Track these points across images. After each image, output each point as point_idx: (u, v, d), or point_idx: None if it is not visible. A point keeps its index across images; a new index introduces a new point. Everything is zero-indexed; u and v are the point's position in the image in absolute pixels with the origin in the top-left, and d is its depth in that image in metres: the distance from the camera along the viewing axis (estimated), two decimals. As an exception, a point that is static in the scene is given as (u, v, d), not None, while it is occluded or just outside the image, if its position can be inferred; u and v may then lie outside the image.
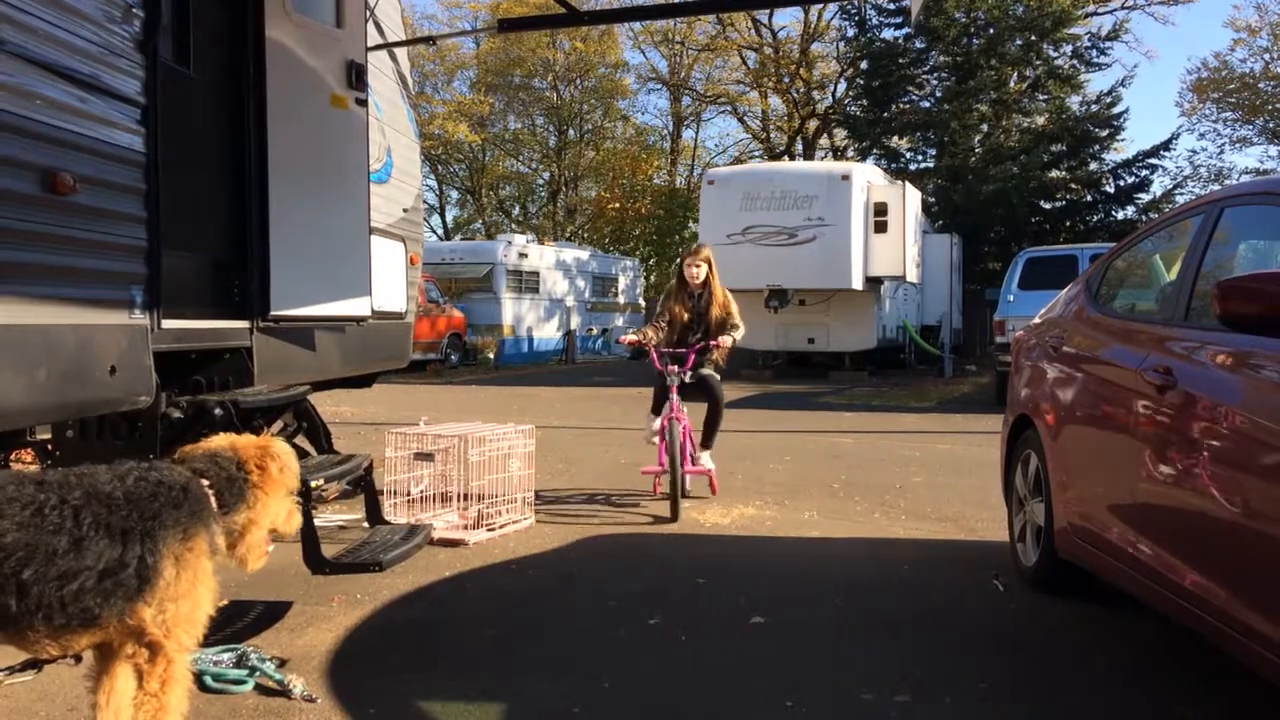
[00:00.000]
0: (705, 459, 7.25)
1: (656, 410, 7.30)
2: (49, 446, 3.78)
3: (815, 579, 5.13)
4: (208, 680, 3.55)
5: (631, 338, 7.53)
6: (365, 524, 5.17)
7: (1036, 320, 5.62)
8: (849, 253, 18.14)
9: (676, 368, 7.05)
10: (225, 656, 3.69)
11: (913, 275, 20.55)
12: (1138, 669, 3.92)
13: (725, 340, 7.23)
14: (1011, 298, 14.24)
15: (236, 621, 4.23)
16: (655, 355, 7.20)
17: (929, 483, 7.95)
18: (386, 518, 4.91)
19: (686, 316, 7.37)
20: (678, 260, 7.85)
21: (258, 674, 3.61)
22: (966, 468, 8.59)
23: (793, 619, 4.46)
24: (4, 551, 2.37)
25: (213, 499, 2.76)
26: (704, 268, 7.39)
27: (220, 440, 2.93)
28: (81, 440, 3.73)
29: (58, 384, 3.10)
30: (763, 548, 5.79)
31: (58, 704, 3.39)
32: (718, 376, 7.35)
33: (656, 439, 7.09)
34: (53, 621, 2.45)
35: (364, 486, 4.65)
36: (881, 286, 19.89)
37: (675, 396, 6.89)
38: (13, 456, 4.02)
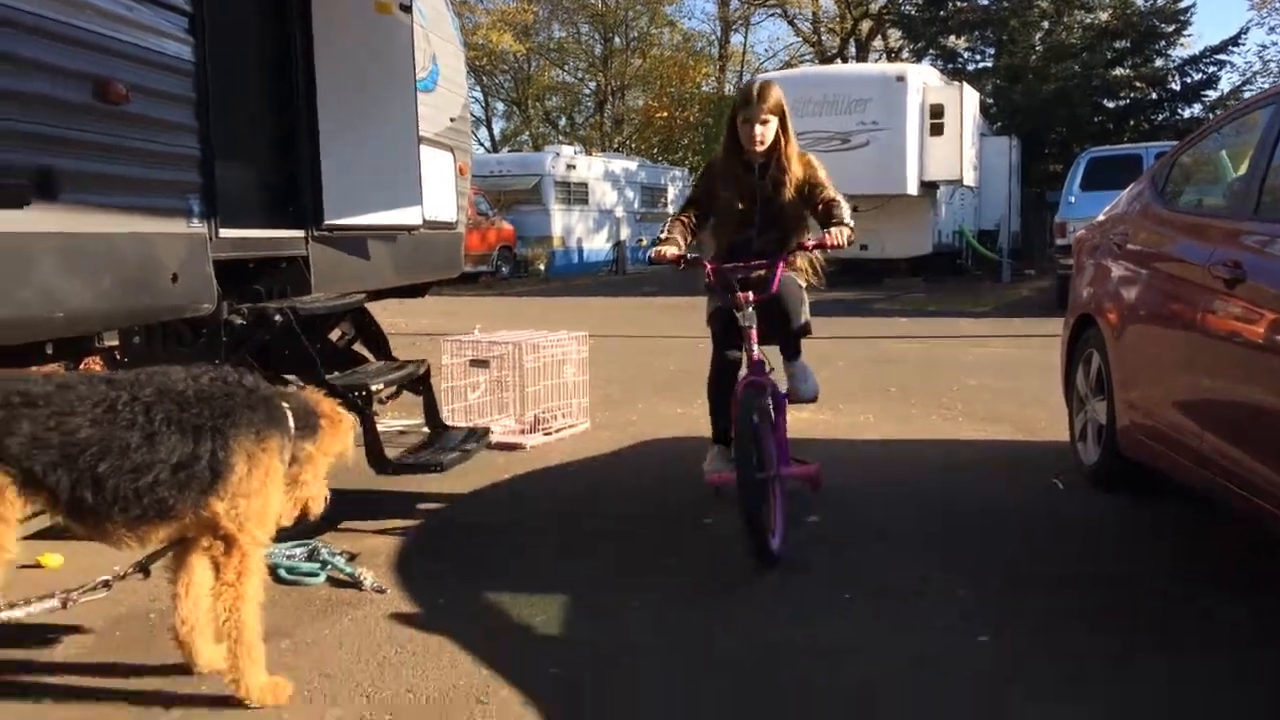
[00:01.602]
0: (799, 370, 4.68)
1: (720, 383, 4.52)
2: (117, 354, 3.86)
3: (871, 480, 5.14)
4: (282, 573, 3.67)
5: (670, 251, 4.37)
6: (424, 429, 5.25)
7: (1100, 218, 5.47)
8: (904, 157, 17.73)
9: (751, 295, 4.18)
10: (298, 551, 3.82)
11: (970, 179, 20.08)
12: (1198, 564, 3.90)
13: (837, 234, 4.23)
14: (1073, 199, 13.88)
15: (305, 520, 4.34)
16: (712, 273, 4.29)
17: (986, 386, 7.87)
18: (445, 423, 4.98)
19: (743, 205, 4.47)
20: (727, 114, 4.66)
21: (329, 567, 3.73)
22: (1024, 371, 8.48)
23: (848, 518, 4.48)
24: (79, 446, 2.45)
25: (291, 418, 2.83)
26: (772, 123, 4.37)
27: (305, 390, 3.05)
28: (148, 347, 3.81)
29: (122, 291, 3.16)
30: (818, 451, 5.78)
31: (141, 595, 3.54)
32: (800, 283, 4.52)
33: (716, 474, 4.40)
34: (129, 513, 2.54)
35: (422, 391, 4.71)
36: (937, 191, 19.46)
37: (755, 346, 4.17)
38: (83, 365, 4.12)
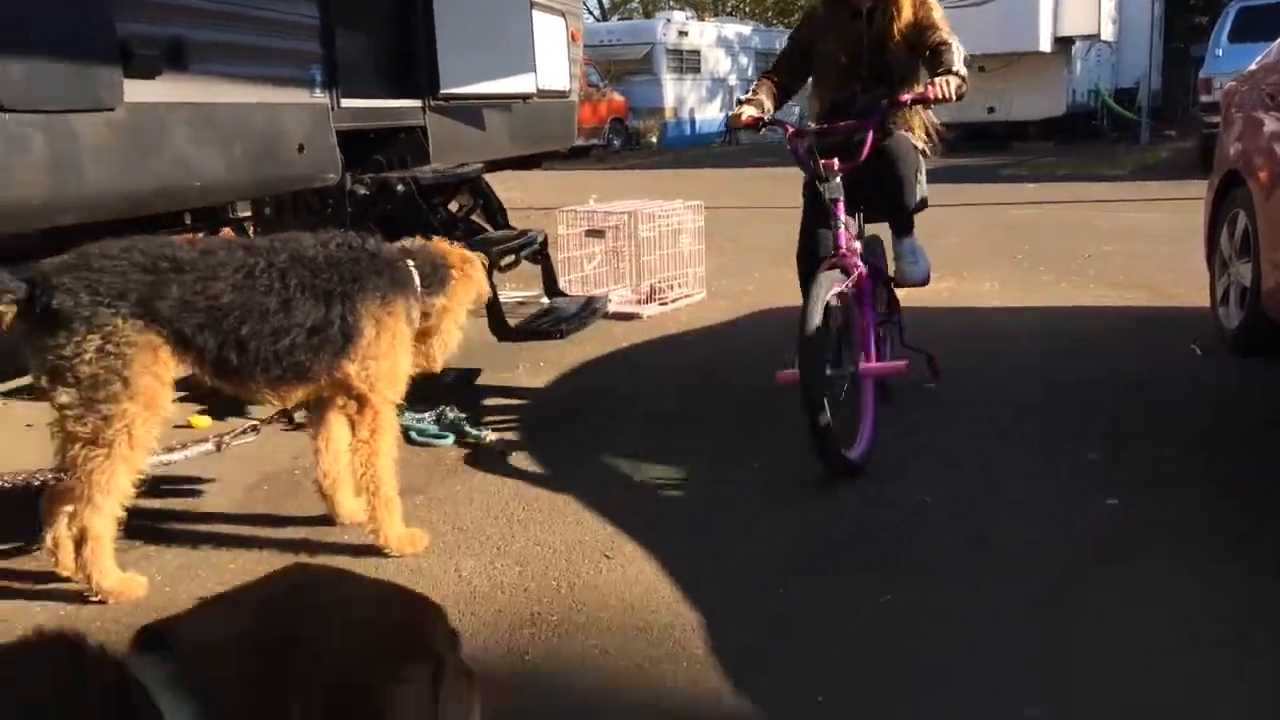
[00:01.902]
0: (907, 250, 4.12)
1: (806, 265, 3.92)
2: (250, 226, 4.00)
3: (996, 346, 5.02)
4: (413, 435, 3.83)
5: (748, 113, 3.90)
6: (542, 300, 5.32)
7: (1252, 68, 5.08)
8: (1036, 11, 16.69)
9: (836, 162, 3.66)
10: (427, 414, 3.97)
11: (1108, 33, 18.82)
12: (1348, 431, 3.72)
13: (942, 86, 3.63)
14: (1220, 52, 12.89)
15: (432, 385, 4.50)
16: (792, 137, 3.86)
17: (1121, 251, 7.53)
18: (563, 292, 5.04)
19: (846, 56, 3.97)
20: None
21: (456, 429, 3.87)
22: (1162, 235, 8.08)
23: (971, 384, 4.40)
24: (222, 311, 2.56)
25: (416, 277, 2.89)
26: None
27: (431, 241, 3.08)
28: (278, 217, 3.93)
29: (252, 160, 3.24)
30: (939, 318, 5.66)
31: (284, 453, 3.74)
32: (917, 145, 4.02)
33: (785, 373, 3.50)
34: (270, 374, 2.66)
35: (540, 261, 4.76)
36: (1072, 47, 18.32)
37: (841, 218, 3.66)
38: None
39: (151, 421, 2.56)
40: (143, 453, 2.56)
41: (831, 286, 3.45)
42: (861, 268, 3.64)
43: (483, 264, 3.12)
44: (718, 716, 2.17)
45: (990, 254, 7.63)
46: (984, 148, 17.12)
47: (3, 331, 2.44)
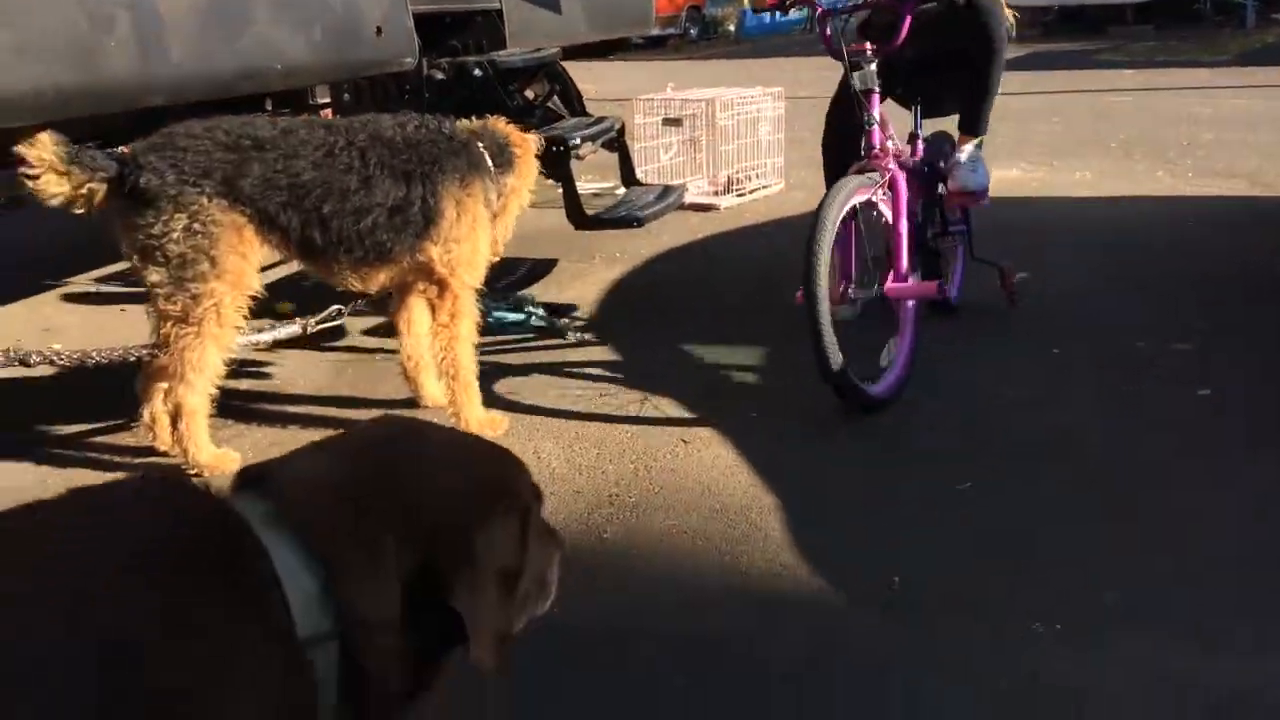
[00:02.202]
0: (967, 156, 3.63)
1: (833, 168, 3.67)
2: (330, 112, 4.00)
3: (1087, 237, 4.86)
4: (491, 321, 3.85)
5: None
6: (617, 192, 5.27)
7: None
8: (1141, -117, 15.68)
9: (870, 48, 3.20)
10: (505, 302, 4.00)
11: (1217, -93, 17.64)
12: None
13: None
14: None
15: (511, 275, 4.53)
16: (820, 17, 3.36)
17: (1221, 139, 7.18)
18: (640, 181, 4.98)
19: None
20: None
21: (535, 317, 3.90)
22: (1265, 124, 7.67)
23: (1061, 275, 4.28)
24: (304, 189, 2.58)
25: (488, 157, 2.88)
26: None
27: (489, 120, 3.03)
28: (356, 103, 3.93)
29: (332, 43, 3.23)
30: (1027, 208, 5.49)
31: (368, 338, 3.83)
32: (1004, 18, 3.53)
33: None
34: (353, 254, 2.70)
35: (617, 149, 4.70)
36: (1177, -77, 17.23)
37: (875, 113, 3.22)
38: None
39: (239, 300, 2.61)
40: (231, 331, 2.62)
41: (852, 195, 3.03)
42: (895, 170, 3.20)
43: (534, 143, 3.09)
44: (793, 594, 2.19)
45: (1084, 142, 7.34)
46: (1078, 32, 16.33)
47: (94, 209, 2.49)
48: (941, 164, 3.69)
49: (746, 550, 2.37)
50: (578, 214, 4.13)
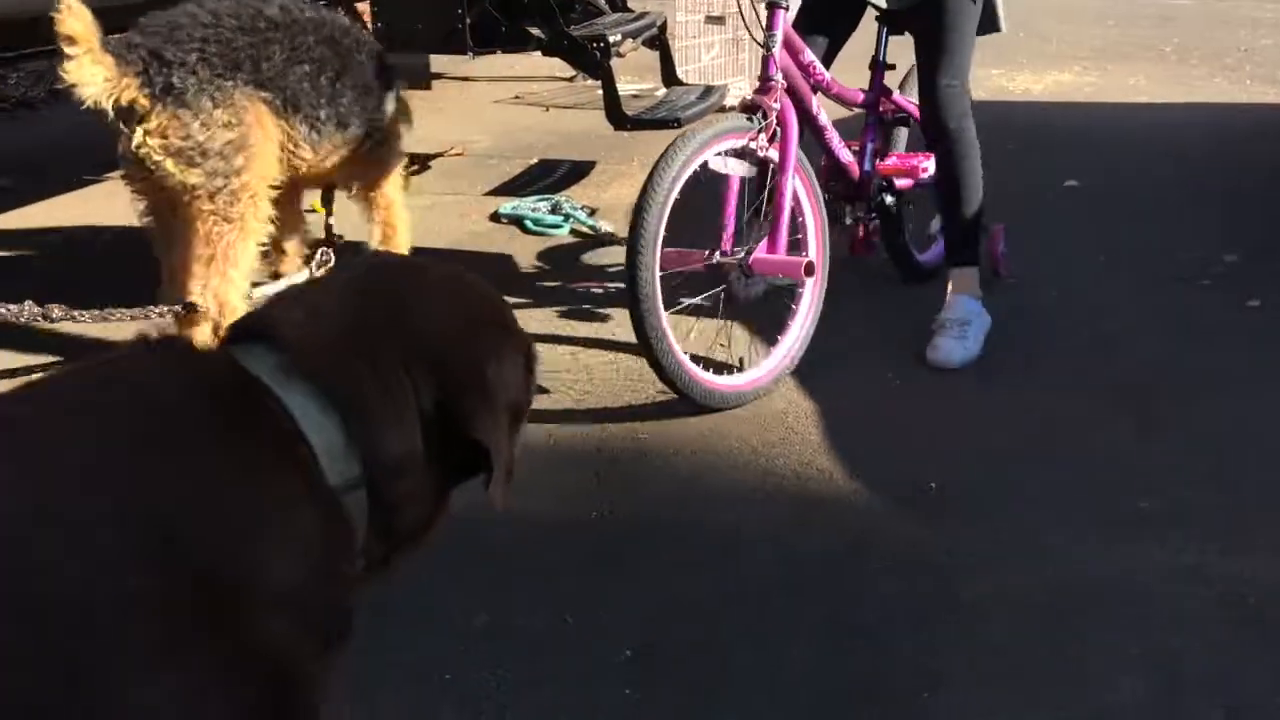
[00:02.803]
0: (955, 313, 2.84)
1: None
2: (369, 4, 3.93)
3: (1139, 145, 4.73)
4: (528, 224, 3.85)
5: None
6: (656, 93, 5.17)
7: None
8: None
9: None
10: (542, 205, 3.97)
11: None
12: None
13: None
14: None
15: (548, 177, 4.49)
16: None
17: (1283, 45, 6.93)
18: (681, 80, 4.88)
19: None
20: None
21: (571, 220, 3.87)
22: (1334, 28, 7.38)
23: (1111, 185, 4.19)
24: (318, 69, 2.60)
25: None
26: None
27: None
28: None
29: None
30: (1080, 114, 5.35)
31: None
32: (961, 11, 2.77)
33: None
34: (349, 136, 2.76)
35: (658, 46, 4.59)
36: None
37: (778, 32, 2.59)
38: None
39: (270, 190, 2.59)
40: (265, 223, 2.60)
41: (705, 148, 2.48)
42: (784, 108, 2.54)
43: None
44: (828, 495, 2.21)
45: (1139, 46, 7.10)
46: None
47: (118, 104, 2.38)
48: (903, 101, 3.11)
49: (782, 453, 2.38)
50: (617, 114, 4.05)
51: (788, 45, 2.65)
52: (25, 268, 3.59)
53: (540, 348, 1.78)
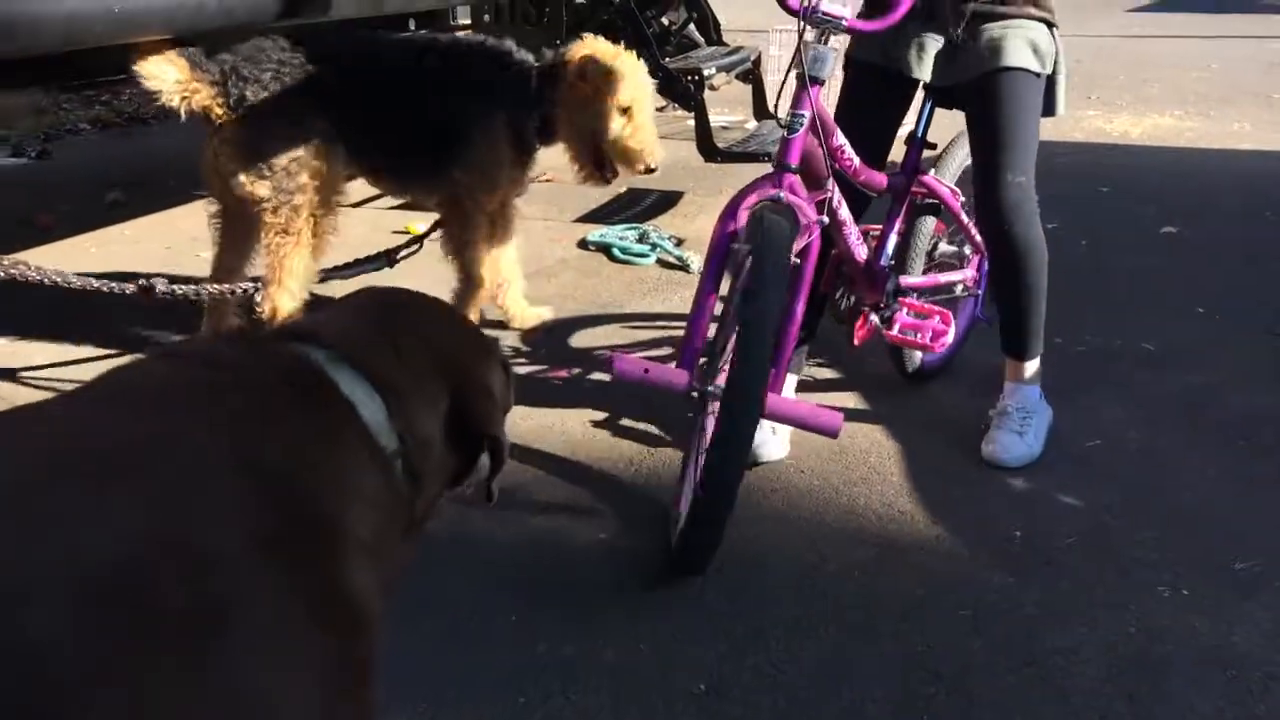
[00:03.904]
0: (1015, 404, 2.52)
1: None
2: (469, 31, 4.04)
3: (1243, 193, 4.61)
4: (616, 253, 3.88)
5: None
6: (746, 125, 5.21)
7: None
8: None
9: (843, 17, 2.11)
10: (630, 234, 4.01)
11: None
12: None
13: None
14: None
15: (636, 206, 4.54)
16: None
17: (1400, 94, 6.69)
18: (772, 113, 4.91)
19: None
20: None
21: (658, 250, 3.90)
22: None
23: (1212, 232, 4.08)
24: (383, 104, 2.66)
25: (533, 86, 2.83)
26: None
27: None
28: (496, 24, 3.95)
29: (474, -38, 3.24)
30: (1180, 159, 5.23)
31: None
32: (1024, 88, 2.37)
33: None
34: (410, 168, 2.85)
35: (750, 80, 4.63)
36: None
37: (804, 111, 2.09)
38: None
39: (332, 210, 2.67)
40: (325, 239, 2.69)
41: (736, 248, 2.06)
42: (812, 217, 2.12)
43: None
44: (910, 539, 2.18)
45: (1244, 92, 6.92)
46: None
47: (194, 109, 2.54)
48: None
49: (864, 493, 2.36)
50: (709, 146, 4.10)
51: (814, 127, 2.14)
52: (127, 275, 3.73)
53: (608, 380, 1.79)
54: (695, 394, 2.10)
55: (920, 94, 2.53)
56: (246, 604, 0.81)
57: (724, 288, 2.16)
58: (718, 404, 1.99)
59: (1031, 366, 2.56)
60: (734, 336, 1.95)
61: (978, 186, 2.42)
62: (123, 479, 0.82)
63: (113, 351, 3.03)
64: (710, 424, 2.10)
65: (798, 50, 2.10)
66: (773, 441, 2.47)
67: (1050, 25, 2.42)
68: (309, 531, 0.88)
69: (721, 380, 2.02)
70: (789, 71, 2.13)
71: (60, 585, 0.75)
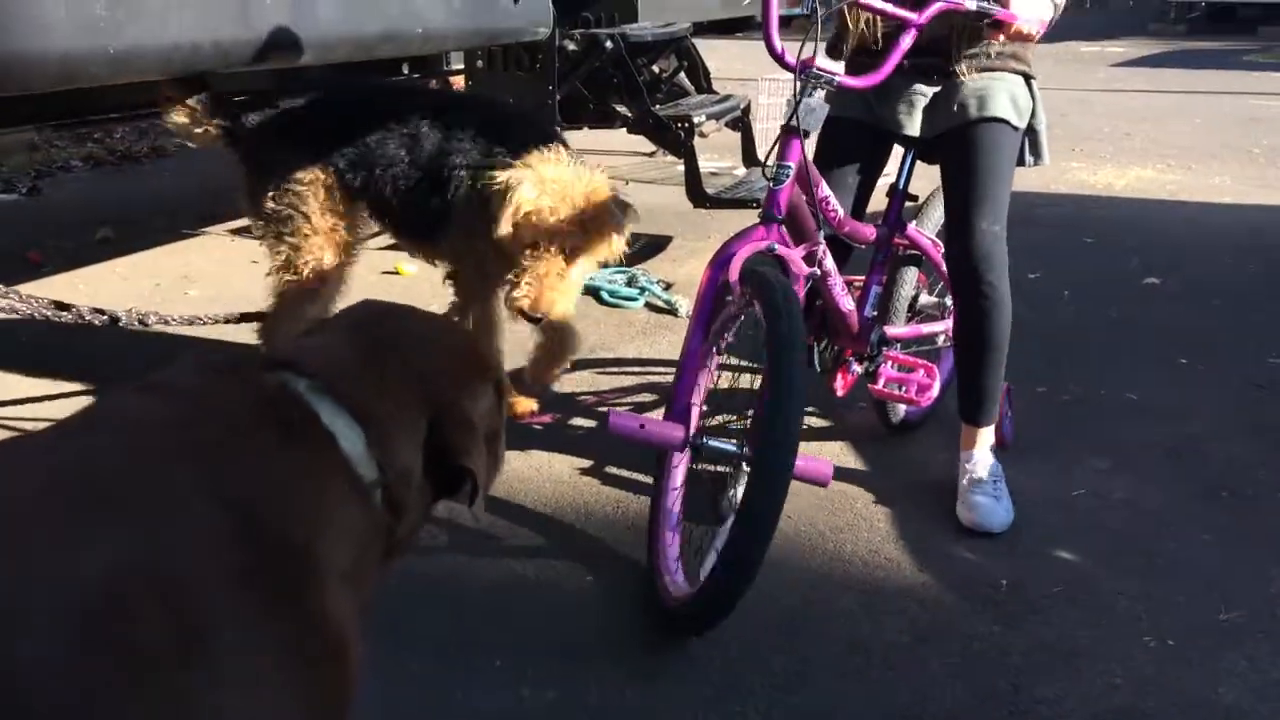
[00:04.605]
0: (987, 469, 2.47)
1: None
2: (464, 78, 4.08)
3: (1223, 245, 4.66)
4: (604, 296, 3.90)
5: None
6: (735, 172, 5.26)
7: None
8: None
9: (832, 73, 2.14)
10: (618, 277, 4.03)
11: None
12: None
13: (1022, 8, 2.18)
14: None
15: (625, 250, 4.56)
16: (770, 13, 2.13)
17: (1377, 151, 6.80)
18: (761, 161, 4.96)
19: None
20: None
21: (647, 294, 3.92)
22: None
23: (1194, 283, 4.12)
24: (383, 159, 2.63)
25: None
26: None
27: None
28: (489, 70, 3.99)
29: (471, 10, 3.28)
30: (1162, 212, 5.30)
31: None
32: (1003, 139, 2.41)
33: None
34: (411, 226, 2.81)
35: (740, 128, 4.68)
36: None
37: (791, 161, 2.15)
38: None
39: (336, 256, 2.66)
40: (333, 286, 2.68)
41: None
42: (803, 269, 2.16)
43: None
44: (895, 585, 2.18)
45: (1224, 147, 7.03)
46: (1228, 31, 15.59)
47: (208, 145, 2.67)
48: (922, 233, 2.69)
49: (850, 539, 2.36)
50: (698, 192, 4.14)
51: (800, 179, 2.19)
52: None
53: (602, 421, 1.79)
54: (692, 448, 2.10)
55: (900, 147, 2.57)
56: (224, 635, 0.83)
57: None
58: (708, 457, 2.09)
59: (989, 433, 2.54)
60: (764, 402, 1.92)
61: (950, 234, 2.43)
62: (98, 512, 0.84)
63: (91, 386, 3.02)
64: (681, 473, 2.20)
65: (796, 105, 2.14)
66: None
67: (1028, 78, 2.47)
68: (285, 562, 0.90)
69: (722, 441, 2.10)
70: (789, 122, 2.15)
71: (44, 617, 0.76)
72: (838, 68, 2.17)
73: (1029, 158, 2.52)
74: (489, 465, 1.18)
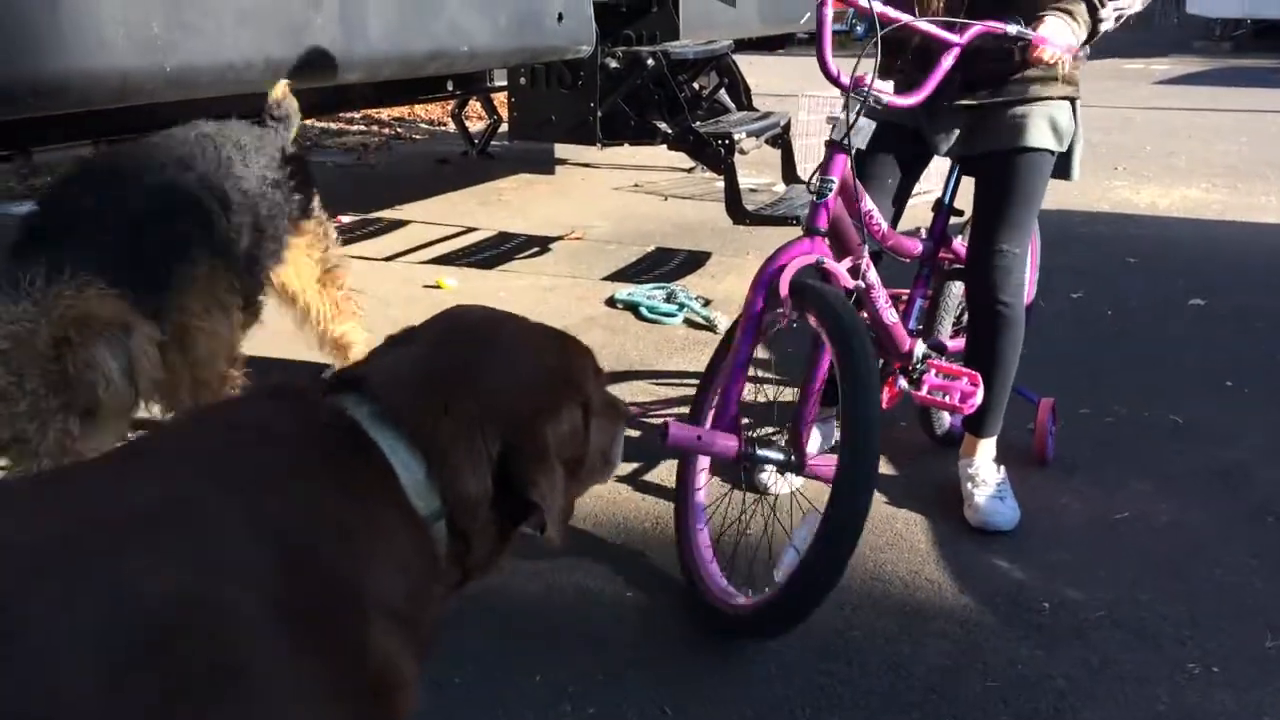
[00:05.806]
0: (992, 478, 2.52)
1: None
2: (507, 94, 4.13)
3: (1270, 266, 4.60)
4: (644, 312, 3.92)
5: None
6: (774, 188, 5.27)
7: None
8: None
9: (877, 88, 2.19)
10: (657, 293, 4.04)
11: None
12: None
13: (1052, 32, 2.22)
14: None
15: (664, 265, 4.58)
16: (824, 35, 2.19)
17: None
18: (801, 178, 4.97)
19: None
20: None
21: (686, 309, 3.93)
22: None
23: (1240, 305, 4.07)
24: None
25: None
26: None
27: None
28: (532, 88, 4.04)
29: (517, 28, 3.33)
30: (1208, 231, 5.23)
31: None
32: (1039, 168, 2.43)
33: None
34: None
35: (780, 144, 4.70)
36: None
37: (834, 175, 2.19)
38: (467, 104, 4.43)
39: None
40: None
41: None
42: (849, 282, 2.25)
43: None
44: (936, 607, 2.17)
45: (1271, 166, 6.93)
46: (1274, 48, 15.38)
47: None
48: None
49: (890, 559, 2.36)
50: (738, 209, 4.15)
51: (843, 192, 2.24)
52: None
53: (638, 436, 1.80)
54: (745, 460, 2.13)
55: (948, 161, 2.59)
56: (260, 670, 0.83)
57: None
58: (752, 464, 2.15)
59: (991, 445, 2.58)
60: (843, 428, 1.97)
61: (971, 252, 2.48)
62: (145, 539, 0.84)
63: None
64: (702, 479, 2.32)
65: (850, 125, 2.20)
66: (782, 482, 2.51)
67: (1074, 101, 2.46)
68: (329, 598, 0.89)
69: (772, 451, 2.15)
70: (839, 139, 2.21)
71: (88, 641, 0.77)
72: (887, 86, 2.21)
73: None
74: (568, 491, 1.13)
